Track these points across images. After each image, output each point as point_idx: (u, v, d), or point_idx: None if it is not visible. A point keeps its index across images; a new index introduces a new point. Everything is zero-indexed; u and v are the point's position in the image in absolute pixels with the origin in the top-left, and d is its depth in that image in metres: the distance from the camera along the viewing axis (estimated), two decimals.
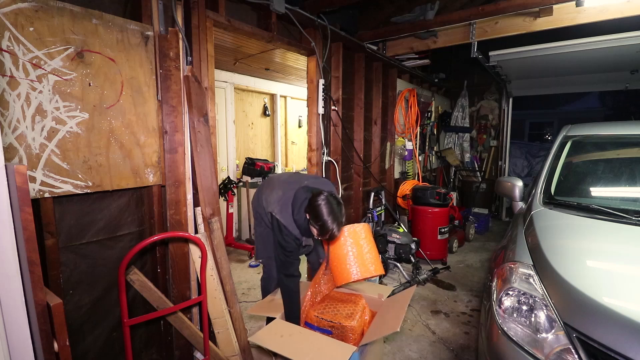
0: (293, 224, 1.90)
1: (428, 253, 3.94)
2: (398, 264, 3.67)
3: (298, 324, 1.94)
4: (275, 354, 1.75)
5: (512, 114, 6.33)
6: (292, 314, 1.95)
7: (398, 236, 3.67)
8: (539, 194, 2.09)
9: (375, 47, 3.93)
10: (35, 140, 1.43)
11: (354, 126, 3.88)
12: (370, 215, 3.78)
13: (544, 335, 1.29)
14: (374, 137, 4.27)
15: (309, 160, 3.30)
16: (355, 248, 2.12)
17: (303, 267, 2.72)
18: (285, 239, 1.90)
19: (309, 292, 2.12)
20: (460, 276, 3.72)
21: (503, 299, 1.46)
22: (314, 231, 1.82)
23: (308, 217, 1.83)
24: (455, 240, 4.46)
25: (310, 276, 2.45)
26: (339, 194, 3.12)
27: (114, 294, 1.79)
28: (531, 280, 1.45)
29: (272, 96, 5.60)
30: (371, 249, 2.18)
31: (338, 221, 1.75)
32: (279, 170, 5.64)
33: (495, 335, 1.43)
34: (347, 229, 2.13)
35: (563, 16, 3.06)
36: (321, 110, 3.19)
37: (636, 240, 1.55)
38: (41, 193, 1.45)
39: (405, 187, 4.63)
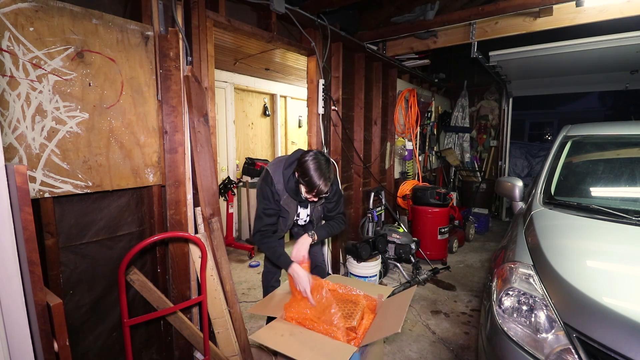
0: (280, 177, 1.93)
1: (428, 253, 3.94)
2: (398, 264, 3.67)
3: (279, 262, 1.95)
4: (275, 353, 1.75)
5: (512, 114, 6.33)
6: (274, 257, 1.97)
7: (398, 236, 3.67)
8: (539, 194, 2.09)
9: (375, 47, 3.93)
10: (35, 140, 1.43)
11: (354, 126, 3.88)
12: (370, 215, 3.78)
13: (544, 335, 1.29)
14: (374, 137, 4.26)
15: None
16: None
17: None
18: (270, 190, 1.92)
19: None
20: (460, 276, 3.72)
21: (503, 299, 1.46)
22: (303, 189, 1.85)
23: (297, 175, 1.85)
24: (455, 240, 4.46)
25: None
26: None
27: (114, 294, 1.79)
28: (531, 280, 1.45)
29: (272, 96, 5.60)
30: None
31: (325, 177, 1.78)
32: None
33: (495, 336, 1.43)
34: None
35: (563, 16, 3.06)
36: (321, 110, 3.19)
37: (636, 240, 1.55)
38: (41, 193, 1.45)
39: (405, 187, 4.63)
